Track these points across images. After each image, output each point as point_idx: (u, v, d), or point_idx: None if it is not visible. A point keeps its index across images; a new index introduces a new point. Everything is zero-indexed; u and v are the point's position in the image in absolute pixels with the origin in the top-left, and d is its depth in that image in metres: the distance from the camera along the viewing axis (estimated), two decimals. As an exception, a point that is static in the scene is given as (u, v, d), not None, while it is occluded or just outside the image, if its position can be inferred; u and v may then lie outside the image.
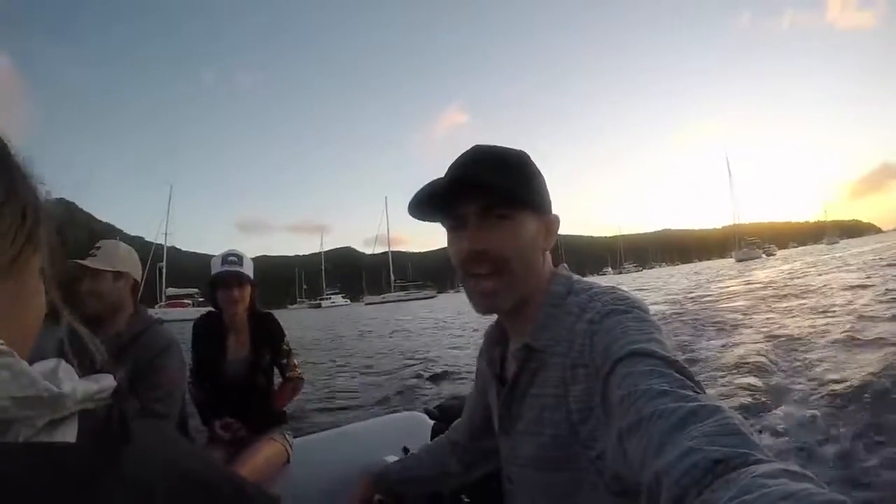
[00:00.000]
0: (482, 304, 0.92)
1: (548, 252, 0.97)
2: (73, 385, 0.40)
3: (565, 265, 1.00)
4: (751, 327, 9.63)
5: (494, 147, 0.94)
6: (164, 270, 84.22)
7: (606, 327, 0.79)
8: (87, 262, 1.95)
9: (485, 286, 0.90)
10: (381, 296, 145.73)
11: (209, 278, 2.49)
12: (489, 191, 0.88)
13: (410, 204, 0.91)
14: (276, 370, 2.65)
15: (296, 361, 2.68)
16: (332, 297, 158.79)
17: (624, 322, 0.78)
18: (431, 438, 1.85)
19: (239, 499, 0.40)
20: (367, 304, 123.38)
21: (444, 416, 1.96)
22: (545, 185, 0.96)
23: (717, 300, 16.23)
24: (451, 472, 1.31)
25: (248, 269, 2.52)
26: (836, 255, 43.81)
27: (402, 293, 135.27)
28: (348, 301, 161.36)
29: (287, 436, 2.45)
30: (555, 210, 0.96)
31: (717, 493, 0.44)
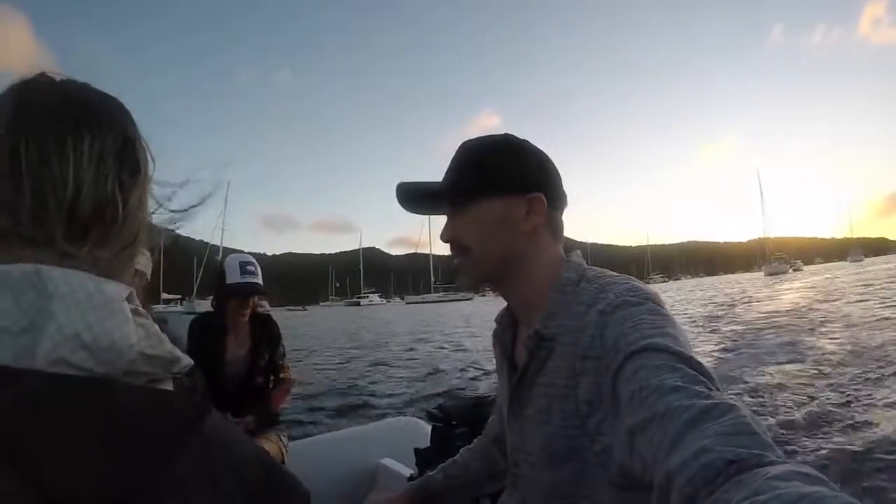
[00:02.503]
0: (457, 281, 1.01)
1: (546, 233, 0.96)
2: (181, 354, 0.47)
3: (578, 252, 1.00)
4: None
5: (471, 143, 1.01)
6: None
7: (618, 319, 0.77)
8: None
9: (454, 264, 0.99)
10: (421, 296, 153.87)
11: (223, 285, 2.50)
12: (448, 186, 0.98)
13: (398, 199, 1.03)
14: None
15: (288, 364, 2.74)
16: (370, 296, 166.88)
17: (636, 314, 0.76)
18: (432, 441, 1.86)
19: (283, 481, 0.45)
20: (407, 303, 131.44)
21: (446, 417, 1.92)
22: (522, 166, 0.97)
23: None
24: (500, 469, 1.23)
25: (261, 278, 2.57)
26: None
27: (440, 294, 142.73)
28: (384, 300, 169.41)
29: (282, 437, 2.47)
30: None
31: (729, 494, 0.43)
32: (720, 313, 19.01)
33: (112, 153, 0.50)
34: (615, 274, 0.91)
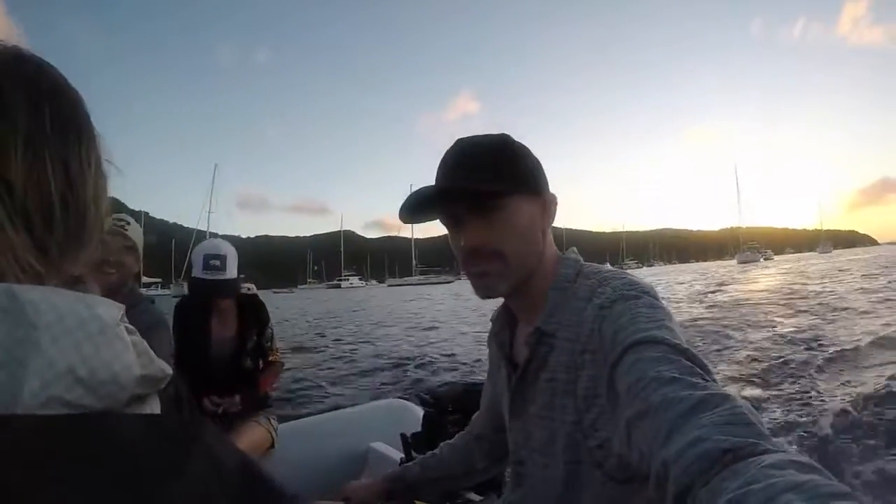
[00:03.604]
0: (481, 289, 0.92)
1: (549, 234, 0.96)
2: (166, 366, 0.43)
3: (574, 249, 0.99)
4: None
5: (475, 139, 0.93)
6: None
7: (616, 313, 0.77)
8: (130, 234, 2.03)
9: (479, 269, 0.90)
10: (403, 279, 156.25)
11: (190, 279, 2.39)
12: (471, 188, 0.88)
13: (402, 212, 0.92)
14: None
15: (277, 346, 2.64)
16: (350, 278, 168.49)
17: (634, 308, 0.77)
18: (423, 426, 1.85)
19: (276, 494, 0.42)
20: (389, 285, 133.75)
21: (437, 402, 1.91)
22: (535, 164, 0.94)
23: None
24: (477, 468, 1.26)
25: (231, 269, 2.37)
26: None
27: (422, 277, 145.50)
28: (364, 283, 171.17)
29: (272, 420, 2.42)
30: (560, 202, 0.96)
31: (724, 483, 0.44)
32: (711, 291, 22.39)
33: (101, 166, 0.47)
34: (612, 269, 0.92)
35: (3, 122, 0.39)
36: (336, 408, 3.36)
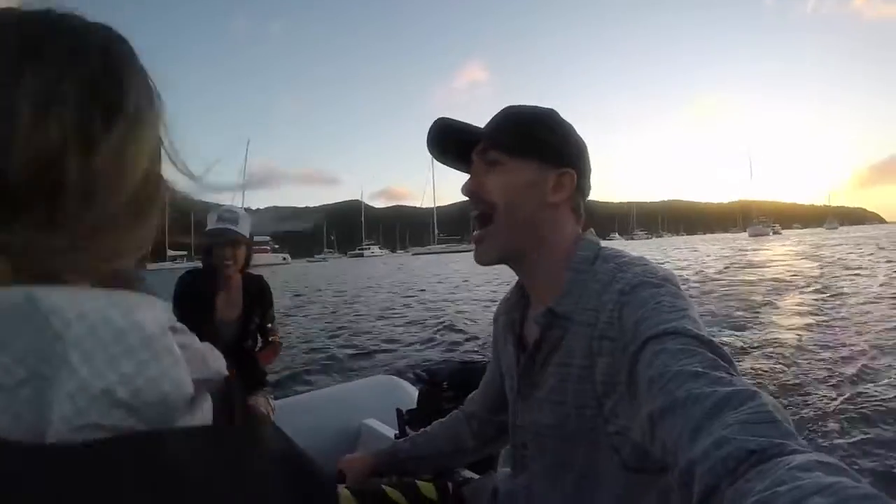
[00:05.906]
0: (477, 254, 0.95)
1: (568, 212, 0.94)
2: (222, 366, 0.39)
3: (592, 230, 0.97)
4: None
5: (520, 106, 0.97)
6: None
7: (637, 301, 0.75)
8: None
9: (476, 235, 0.94)
10: (427, 247, 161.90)
11: (203, 232, 2.38)
12: (486, 138, 0.93)
13: (433, 130, 0.98)
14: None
15: (277, 328, 2.66)
16: (371, 247, 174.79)
17: (656, 296, 0.75)
18: (418, 402, 1.84)
19: (323, 481, 0.40)
20: (413, 254, 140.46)
21: (432, 379, 1.87)
22: (564, 140, 0.94)
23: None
24: (466, 447, 1.25)
25: (243, 228, 2.37)
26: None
27: (443, 246, 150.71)
28: (383, 252, 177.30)
29: (269, 398, 2.41)
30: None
31: (750, 484, 0.43)
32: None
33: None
34: (631, 254, 0.89)
35: (58, 108, 0.34)
36: (328, 382, 3.37)
